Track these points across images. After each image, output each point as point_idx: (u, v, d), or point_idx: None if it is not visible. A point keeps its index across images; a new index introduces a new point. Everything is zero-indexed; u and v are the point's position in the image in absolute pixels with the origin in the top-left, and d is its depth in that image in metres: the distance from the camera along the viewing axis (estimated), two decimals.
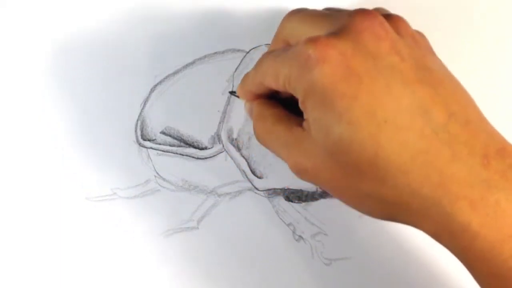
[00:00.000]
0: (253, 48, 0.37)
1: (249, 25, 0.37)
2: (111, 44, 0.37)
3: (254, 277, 0.36)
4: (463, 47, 0.38)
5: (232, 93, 0.35)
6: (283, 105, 0.31)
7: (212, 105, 0.37)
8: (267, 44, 0.37)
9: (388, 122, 0.25)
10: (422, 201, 0.25)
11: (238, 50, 0.37)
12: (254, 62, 0.31)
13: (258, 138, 0.31)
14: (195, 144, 0.37)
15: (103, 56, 0.37)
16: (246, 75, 0.32)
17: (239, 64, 0.37)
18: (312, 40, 0.26)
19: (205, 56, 0.37)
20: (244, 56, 0.37)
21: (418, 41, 0.28)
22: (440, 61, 0.29)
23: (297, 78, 0.27)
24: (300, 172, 0.28)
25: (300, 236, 0.36)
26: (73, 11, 0.37)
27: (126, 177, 0.36)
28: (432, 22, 0.37)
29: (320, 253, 0.36)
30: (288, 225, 0.37)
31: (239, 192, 0.37)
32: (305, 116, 0.28)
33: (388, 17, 0.28)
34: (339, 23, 0.27)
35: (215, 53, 0.37)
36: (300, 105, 0.28)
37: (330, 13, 0.29)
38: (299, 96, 0.27)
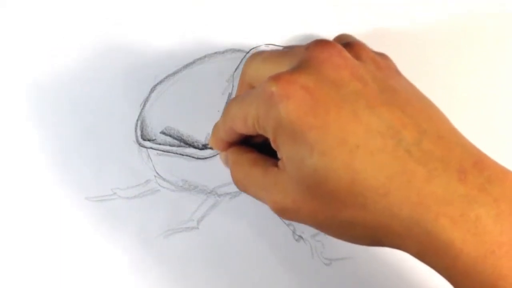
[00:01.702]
0: (253, 48, 0.37)
1: (249, 25, 0.37)
2: (111, 44, 0.37)
3: (254, 277, 0.36)
4: (463, 46, 0.38)
5: (205, 146, 0.36)
6: (257, 149, 0.31)
7: (212, 105, 0.37)
8: (267, 44, 0.37)
9: (360, 147, 0.25)
10: (403, 222, 0.25)
11: (238, 50, 0.37)
12: None
13: (237, 185, 0.31)
14: (195, 144, 0.37)
15: (103, 56, 0.37)
16: (216, 125, 0.33)
17: (239, 64, 0.37)
18: (274, 78, 0.26)
19: (205, 56, 0.37)
20: (244, 56, 0.37)
21: (379, 64, 0.28)
22: (405, 80, 0.29)
23: (264, 117, 0.27)
24: (280, 212, 0.28)
25: (300, 236, 0.36)
26: (73, 11, 0.37)
27: (126, 177, 0.36)
28: (432, 22, 0.37)
29: (320, 253, 0.36)
30: (288, 225, 0.37)
31: (239, 192, 0.37)
32: (279, 154, 0.28)
33: (348, 45, 0.28)
34: (299, 58, 0.27)
35: (215, 53, 0.37)
36: (272, 144, 0.28)
37: (289, 49, 0.29)
38: (269, 135, 0.27)
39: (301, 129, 0.26)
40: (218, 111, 0.37)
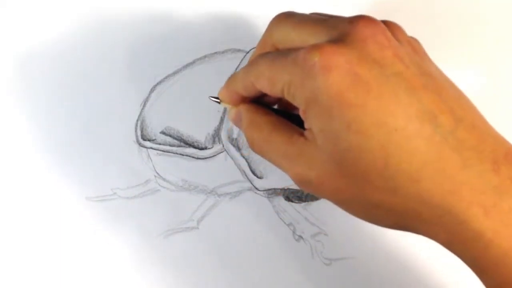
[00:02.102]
0: (253, 48, 0.37)
1: (249, 25, 0.37)
2: (112, 44, 0.37)
3: (254, 277, 0.36)
4: (462, 47, 0.38)
5: (214, 98, 0.32)
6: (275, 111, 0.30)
7: (212, 105, 0.36)
8: None
9: (398, 130, 0.25)
10: (433, 210, 0.25)
11: (238, 50, 0.37)
12: None
13: (253, 148, 0.30)
14: (195, 144, 0.37)
15: (103, 56, 0.37)
16: (233, 76, 0.30)
17: (239, 64, 0.37)
18: (317, 47, 0.25)
19: (205, 56, 0.37)
20: (244, 56, 0.37)
21: (415, 47, 0.28)
22: (437, 66, 0.28)
23: (299, 86, 0.26)
24: (303, 183, 0.28)
25: (300, 236, 0.36)
26: (74, 10, 0.37)
27: (126, 177, 0.36)
28: (431, 22, 0.37)
29: (320, 253, 0.36)
30: (288, 225, 0.37)
31: (239, 192, 0.37)
32: (307, 125, 0.27)
33: (385, 23, 0.27)
34: (340, 31, 0.26)
35: (215, 53, 0.37)
36: (301, 113, 0.27)
37: (326, 19, 0.28)
38: (300, 104, 0.26)
39: (340, 105, 0.25)
40: (218, 111, 0.37)
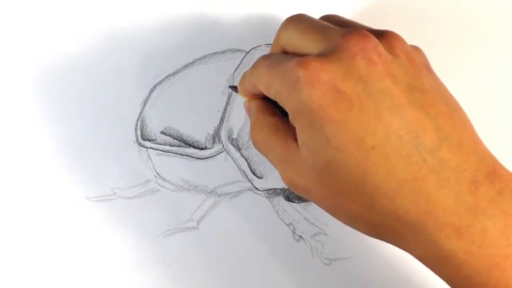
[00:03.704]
0: (253, 48, 0.37)
1: (249, 25, 0.37)
2: (112, 44, 0.37)
3: (254, 277, 0.36)
4: (461, 48, 0.38)
5: (233, 88, 0.35)
6: (280, 108, 0.30)
7: (212, 105, 0.37)
8: (267, 44, 0.37)
9: (375, 148, 0.25)
10: (408, 228, 0.25)
11: (238, 50, 0.37)
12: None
13: (254, 145, 0.31)
14: (195, 144, 0.37)
15: (103, 56, 0.37)
16: (244, 74, 0.32)
17: (239, 64, 0.37)
18: (303, 62, 0.26)
19: (205, 56, 0.37)
20: (244, 56, 0.37)
21: (413, 59, 0.27)
22: (436, 79, 0.28)
23: (287, 96, 0.27)
24: (292, 187, 0.29)
25: (300, 236, 0.36)
26: (73, 11, 0.37)
27: (126, 177, 0.36)
28: (430, 22, 0.37)
29: (320, 253, 0.36)
30: (288, 225, 0.37)
31: (239, 192, 0.37)
32: (296, 133, 0.27)
33: (382, 35, 0.27)
34: (332, 43, 0.26)
35: (215, 53, 0.37)
36: (290, 121, 0.28)
37: (325, 28, 0.28)
38: (289, 113, 0.27)
39: (321, 120, 0.25)
40: (218, 111, 0.37)
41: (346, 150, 0.25)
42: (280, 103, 0.28)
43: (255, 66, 0.30)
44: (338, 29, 0.27)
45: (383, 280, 0.36)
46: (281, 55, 0.29)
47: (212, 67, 0.37)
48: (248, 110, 0.32)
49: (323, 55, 0.26)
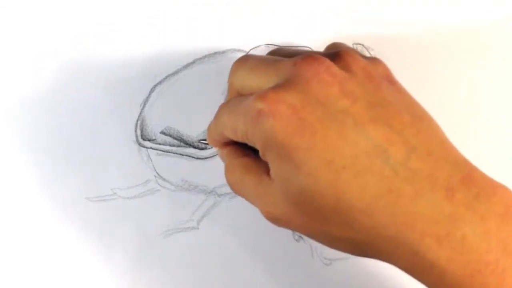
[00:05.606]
0: (253, 48, 0.37)
1: (249, 25, 0.37)
2: (112, 44, 0.37)
3: (254, 277, 0.36)
4: (461, 51, 0.38)
5: (203, 141, 0.36)
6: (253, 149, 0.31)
7: (212, 105, 0.36)
8: (267, 44, 0.37)
9: (346, 168, 0.25)
10: (388, 242, 0.25)
11: (238, 50, 0.37)
12: None
13: (230, 187, 0.31)
14: (195, 144, 0.37)
15: (103, 56, 0.37)
16: (209, 127, 0.32)
17: None
18: (260, 96, 0.26)
19: (205, 56, 0.37)
20: None
21: (370, 74, 0.27)
22: (398, 88, 0.28)
23: (252, 133, 0.27)
24: (273, 221, 0.29)
25: (300, 236, 0.36)
26: (72, 10, 0.37)
27: (126, 177, 0.36)
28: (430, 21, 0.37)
29: (320, 253, 0.36)
30: None
31: None
32: (269, 165, 0.28)
33: (337, 55, 0.28)
34: (285, 73, 0.27)
35: (215, 53, 0.37)
36: (261, 156, 0.28)
37: (276, 61, 0.28)
38: (258, 148, 0.27)
39: (288, 149, 0.26)
40: None
41: (317, 174, 0.25)
42: (249, 142, 0.28)
43: (217, 115, 0.31)
44: (288, 59, 0.28)
45: (383, 280, 0.36)
46: (239, 97, 0.29)
47: (212, 67, 0.37)
48: (221, 157, 0.33)
49: (279, 86, 0.26)
